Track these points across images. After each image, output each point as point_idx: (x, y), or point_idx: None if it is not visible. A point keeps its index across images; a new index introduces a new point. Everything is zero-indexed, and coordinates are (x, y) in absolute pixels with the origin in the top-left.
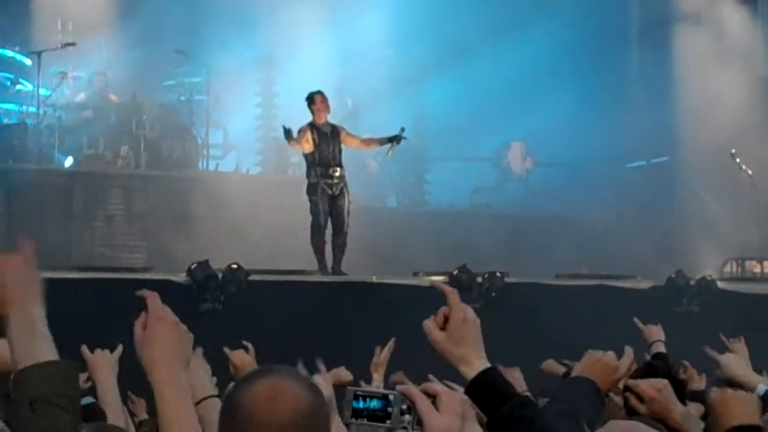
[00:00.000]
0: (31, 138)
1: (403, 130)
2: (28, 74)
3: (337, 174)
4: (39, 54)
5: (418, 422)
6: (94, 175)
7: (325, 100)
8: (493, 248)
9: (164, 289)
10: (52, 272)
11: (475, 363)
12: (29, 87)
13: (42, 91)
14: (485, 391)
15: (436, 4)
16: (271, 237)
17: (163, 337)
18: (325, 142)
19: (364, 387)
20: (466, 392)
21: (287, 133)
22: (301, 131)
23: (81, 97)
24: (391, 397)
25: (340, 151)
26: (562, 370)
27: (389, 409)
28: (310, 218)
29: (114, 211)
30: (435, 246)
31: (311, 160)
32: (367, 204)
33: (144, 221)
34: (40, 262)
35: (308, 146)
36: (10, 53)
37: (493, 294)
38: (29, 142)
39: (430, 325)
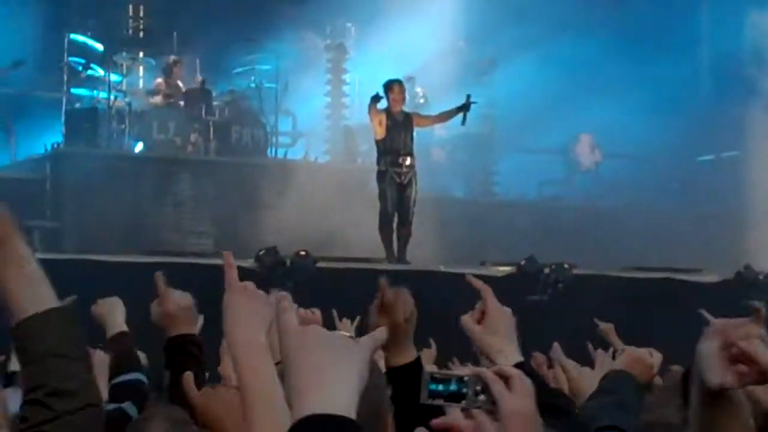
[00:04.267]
0: (101, 123)
1: (469, 96)
2: (99, 60)
3: (407, 163)
4: (110, 39)
5: (492, 403)
6: (163, 161)
7: (403, 90)
8: (560, 240)
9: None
10: (121, 256)
11: (510, 355)
12: (100, 72)
13: (113, 77)
14: None
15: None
16: (339, 224)
17: (243, 303)
18: (398, 130)
19: (440, 370)
20: None
21: (375, 98)
22: (376, 112)
23: (154, 83)
24: (465, 378)
25: (411, 139)
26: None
27: (464, 391)
28: (377, 206)
29: (183, 196)
30: (502, 237)
31: (382, 148)
32: (433, 194)
33: (212, 207)
34: (109, 247)
35: (380, 131)
36: (81, 38)
37: (560, 285)
38: (100, 127)
39: (467, 319)
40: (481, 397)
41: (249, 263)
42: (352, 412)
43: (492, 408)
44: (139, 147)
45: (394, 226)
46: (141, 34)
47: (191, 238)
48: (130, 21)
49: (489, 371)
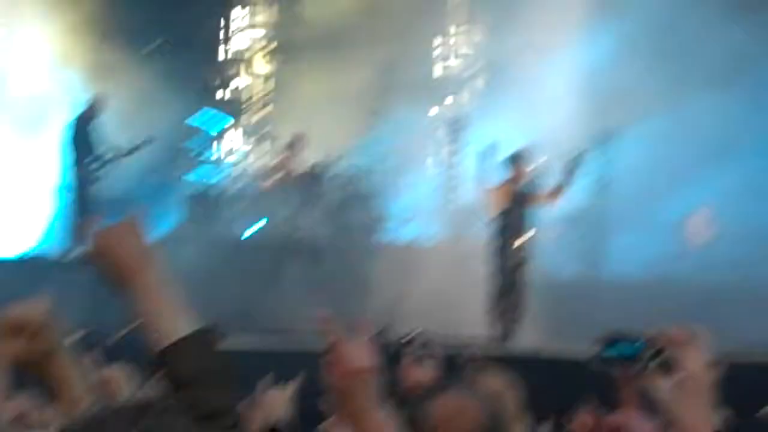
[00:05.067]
0: (215, 207)
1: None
2: (213, 144)
3: (525, 240)
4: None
5: (665, 366)
6: (277, 243)
7: (527, 164)
8: (674, 321)
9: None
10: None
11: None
12: (215, 155)
13: (231, 158)
14: None
15: (628, 63)
16: (451, 304)
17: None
18: (518, 205)
19: (618, 332)
20: None
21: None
22: (495, 193)
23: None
24: (639, 342)
25: (529, 215)
26: None
27: (639, 353)
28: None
29: (296, 277)
30: (613, 317)
31: (502, 223)
32: (544, 271)
33: (325, 288)
34: (224, 328)
35: (501, 205)
36: (202, 120)
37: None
38: (213, 212)
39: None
40: (655, 361)
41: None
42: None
43: (666, 369)
44: (251, 230)
45: (506, 305)
46: (254, 118)
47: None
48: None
49: (667, 334)
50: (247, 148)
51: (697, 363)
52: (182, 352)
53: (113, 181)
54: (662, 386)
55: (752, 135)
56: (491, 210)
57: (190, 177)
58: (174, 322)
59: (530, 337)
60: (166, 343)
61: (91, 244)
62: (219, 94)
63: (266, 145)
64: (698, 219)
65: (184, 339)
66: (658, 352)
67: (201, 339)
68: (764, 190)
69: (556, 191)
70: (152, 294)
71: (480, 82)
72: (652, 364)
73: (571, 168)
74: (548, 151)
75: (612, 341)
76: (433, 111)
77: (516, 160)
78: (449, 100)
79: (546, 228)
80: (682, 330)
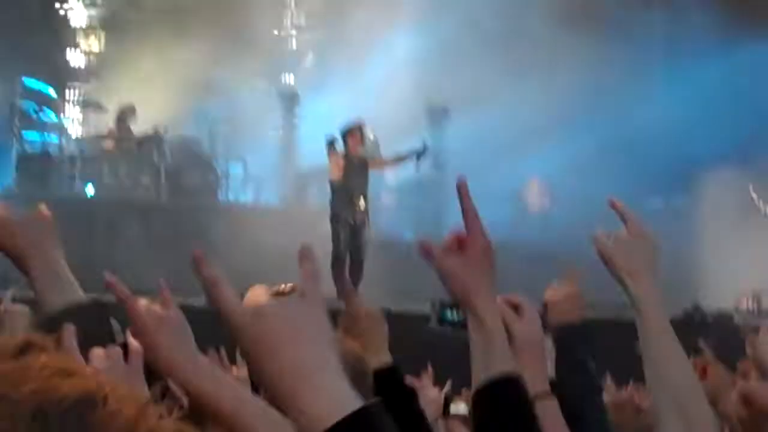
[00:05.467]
0: (53, 167)
1: (425, 141)
2: (52, 104)
3: (361, 205)
4: (63, 84)
5: None
6: (114, 203)
7: (363, 135)
8: (508, 283)
9: (185, 313)
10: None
11: (641, 279)
12: (53, 118)
13: (64, 121)
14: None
15: (463, 39)
16: (291, 266)
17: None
18: (354, 173)
19: (448, 298)
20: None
21: (331, 141)
22: (334, 154)
23: (106, 128)
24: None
25: (366, 183)
26: None
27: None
28: (328, 248)
29: (134, 239)
30: None
31: (337, 189)
32: (383, 237)
33: (164, 249)
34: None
35: (337, 173)
36: (35, 83)
37: None
38: (51, 171)
39: (601, 235)
40: None
41: (201, 302)
42: (353, 394)
43: None
44: (89, 190)
45: (346, 267)
46: (92, 79)
47: (144, 279)
48: (83, 65)
49: (500, 300)
50: (77, 116)
51: (527, 328)
52: None
53: None
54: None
55: (575, 115)
56: (330, 175)
57: (28, 137)
58: (328, 405)
59: (371, 296)
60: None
61: None
62: (50, 64)
63: (94, 116)
64: (532, 189)
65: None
66: None
67: (367, 418)
68: (585, 164)
69: (395, 161)
70: (295, 380)
71: (314, 56)
72: None
73: (414, 154)
74: (382, 125)
75: (446, 306)
76: (268, 82)
77: (351, 131)
78: (285, 71)
79: (385, 195)
80: (510, 297)
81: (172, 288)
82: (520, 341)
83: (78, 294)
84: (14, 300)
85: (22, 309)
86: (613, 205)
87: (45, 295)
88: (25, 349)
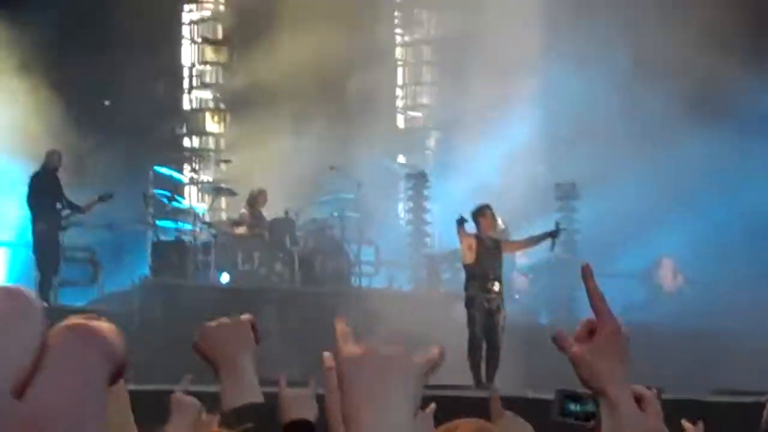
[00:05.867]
0: (187, 255)
1: (558, 223)
2: (183, 191)
3: (496, 289)
4: (195, 171)
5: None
6: (249, 291)
7: (493, 215)
8: (645, 365)
9: (319, 401)
10: (212, 386)
11: (618, 383)
12: (185, 204)
13: (197, 209)
14: None
15: (587, 117)
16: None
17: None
18: (488, 256)
19: (571, 389)
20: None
21: (461, 221)
22: (465, 236)
23: (239, 214)
24: (592, 401)
25: (500, 266)
26: None
27: (594, 410)
28: (461, 333)
29: (268, 327)
30: None
31: (471, 273)
32: (518, 320)
33: (298, 336)
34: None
35: (470, 255)
36: (166, 171)
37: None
38: (186, 259)
39: (565, 335)
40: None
41: None
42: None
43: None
44: (225, 278)
45: (483, 352)
46: (223, 166)
47: (278, 368)
48: (212, 154)
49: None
50: (206, 203)
51: (651, 424)
52: None
53: (75, 234)
54: None
55: (710, 189)
56: (463, 258)
57: (162, 225)
58: None
59: (508, 382)
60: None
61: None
62: (178, 150)
63: (225, 200)
64: (665, 269)
65: None
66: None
67: None
68: (723, 241)
69: (528, 243)
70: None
71: (439, 136)
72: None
73: (548, 236)
74: (507, 206)
75: (570, 395)
76: (394, 163)
77: (482, 212)
78: (410, 152)
79: (517, 277)
80: (636, 389)
81: (306, 377)
82: None
83: (257, 394)
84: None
85: (193, 401)
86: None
87: (227, 394)
88: None
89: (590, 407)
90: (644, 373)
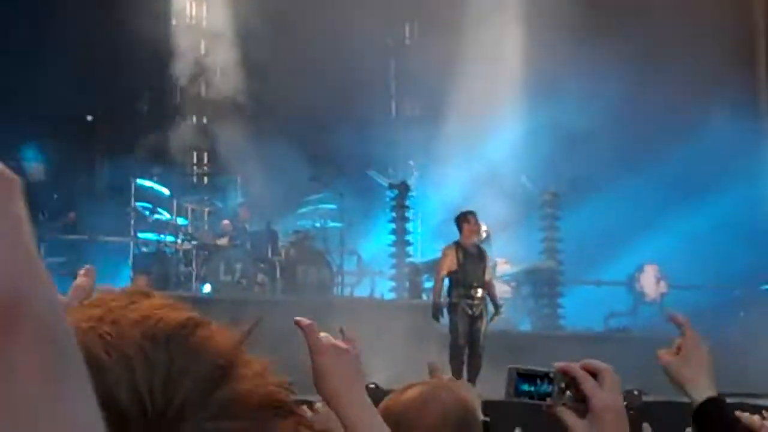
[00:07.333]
0: (169, 266)
1: (499, 306)
2: (165, 204)
3: (479, 295)
4: (176, 184)
5: (578, 399)
6: (231, 302)
7: (477, 222)
8: (629, 371)
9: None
10: None
11: (702, 387)
12: (167, 216)
13: (179, 221)
14: (712, 418)
15: (567, 132)
16: (407, 359)
17: (339, 365)
18: (471, 263)
19: (524, 366)
20: (693, 415)
21: (436, 315)
22: (447, 252)
23: (221, 225)
24: (551, 375)
25: (483, 272)
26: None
27: (550, 387)
28: (444, 341)
29: (251, 336)
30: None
31: (454, 280)
32: (500, 327)
33: (279, 346)
34: None
35: (452, 266)
36: (148, 183)
37: (631, 412)
38: (168, 271)
39: (663, 353)
40: (567, 393)
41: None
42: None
43: (578, 405)
44: (207, 289)
45: (465, 358)
46: (205, 179)
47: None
48: (194, 167)
49: (577, 366)
50: (188, 216)
51: (609, 397)
52: None
53: (56, 247)
54: (575, 423)
55: (692, 195)
56: (445, 267)
57: (143, 237)
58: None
59: (491, 386)
60: None
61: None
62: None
63: (207, 212)
64: (647, 276)
65: None
66: (567, 387)
67: None
68: (705, 248)
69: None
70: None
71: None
72: (563, 399)
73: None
74: (489, 215)
75: (523, 374)
76: (377, 174)
77: (465, 218)
78: (395, 162)
79: (500, 285)
80: (590, 363)
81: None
82: (599, 409)
83: None
84: None
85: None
86: (673, 319)
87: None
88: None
89: (544, 388)
90: (630, 380)
